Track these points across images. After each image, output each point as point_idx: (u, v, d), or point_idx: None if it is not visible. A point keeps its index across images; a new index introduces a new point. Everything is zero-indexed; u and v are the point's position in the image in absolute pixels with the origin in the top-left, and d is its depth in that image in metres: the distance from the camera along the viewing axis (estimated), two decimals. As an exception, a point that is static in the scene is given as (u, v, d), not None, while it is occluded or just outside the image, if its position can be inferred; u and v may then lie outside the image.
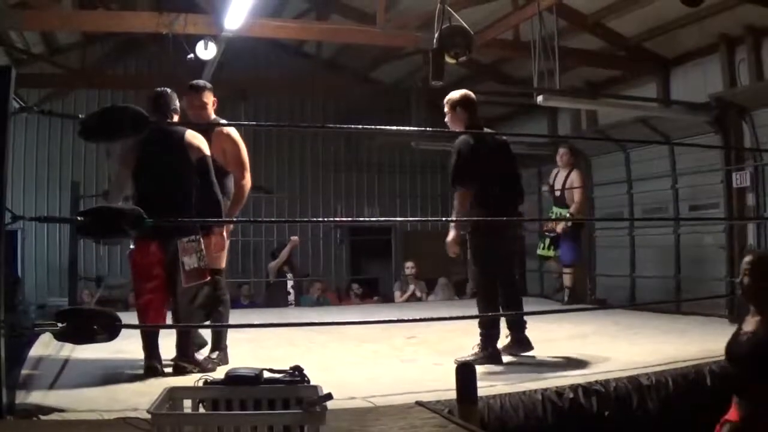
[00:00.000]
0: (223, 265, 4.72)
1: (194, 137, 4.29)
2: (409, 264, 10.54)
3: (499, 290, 4.86)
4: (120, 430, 2.85)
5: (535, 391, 3.66)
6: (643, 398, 3.83)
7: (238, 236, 10.80)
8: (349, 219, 12.93)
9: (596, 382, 3.82)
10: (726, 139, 8.11)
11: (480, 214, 4.81)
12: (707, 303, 7.57)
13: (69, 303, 8.18)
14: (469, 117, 4.99)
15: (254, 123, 10.94)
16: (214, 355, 4.52)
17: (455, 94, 5.06)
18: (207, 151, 4.30)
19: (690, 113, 8.22)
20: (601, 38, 8.78)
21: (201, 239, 4.24)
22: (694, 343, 5.15)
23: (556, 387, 3.72)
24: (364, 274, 12.71)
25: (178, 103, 4.50)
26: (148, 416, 2.44)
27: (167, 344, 4.35)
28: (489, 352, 4.63)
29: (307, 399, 2.50)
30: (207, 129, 4.62)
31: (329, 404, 2.49)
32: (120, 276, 10.86)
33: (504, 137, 5.22)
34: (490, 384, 3.69)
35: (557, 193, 8.42)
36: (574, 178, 8.38)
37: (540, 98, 7.30)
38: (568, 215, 8.24)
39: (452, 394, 3.23)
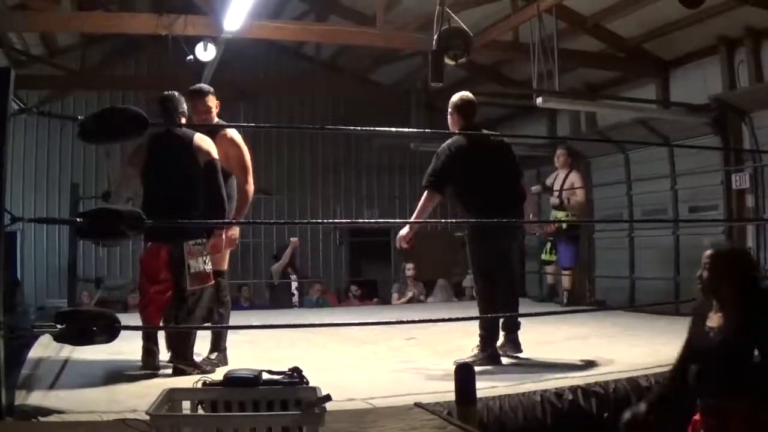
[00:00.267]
0: (225, 266, 4.73)
1: (203, 140, 4.30)
2: (408, 266, 10.54)
3: (501, 290, 4.87)
4: (119, 431, 2.85)
5: (535, 392, 3.66)
6: (642, 399, 3.83)
7: (238, 237, 10.77)
8: (349, 220, 12.92)
9: (595, 383, 3.82)
10: (725, 141, 8.12)
11: (472, 217, 4.87)
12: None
13: (68, 304, 8.19)
14: (465, 120, 5.01)
15: (253, 125, 10.93)
16: (214, 356, 4.52)
17: (454, 97, 5.11)
18: (215, 154, 4.32)
19: (689, 115, 8.23)
20: (600, 40, 8.78)
21: (206, 243, 4.26)
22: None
23: (556, 388, 3.72)
24: (363, 276, 12.70)
25: (185, 106, 4.51)
26: (147, 417, 2.45)
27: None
28: (488, 353, 4.63)
29: (305, 400, 2.51)
30: (211, 133, 4.62)
31: (328, 405, 2.49)
32: (119, 277, 10.88)
33: (505, 139, 5.18)
34: (489, 385, 3.69)
35: (555, 194, 8.42)
36: (574, 179, 8.38)
37: (539, 100, 7.30)
38: (565, 217, 8.24)
39: (451, 396, 3.23)
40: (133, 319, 4.75)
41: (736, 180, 8.05)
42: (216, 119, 4.75)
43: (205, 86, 4.84)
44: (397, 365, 4.78)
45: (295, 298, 10.05)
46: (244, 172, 4.69)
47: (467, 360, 4.37)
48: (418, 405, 3.30)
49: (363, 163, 12.73)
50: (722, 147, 8.14)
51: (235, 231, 4.65)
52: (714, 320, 3.09)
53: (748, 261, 3.25)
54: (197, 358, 4.40)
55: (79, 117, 3.48)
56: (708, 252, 3.19)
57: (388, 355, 5.24)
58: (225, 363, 4.49)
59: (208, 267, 4.26)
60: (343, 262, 12.78)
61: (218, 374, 3.37)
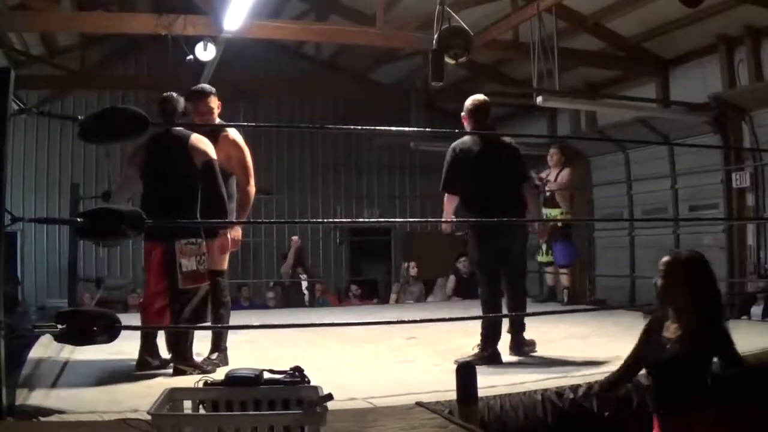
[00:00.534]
0: (225, 266, 4.72)
1: (199, 141, 4.29)
2: (411, 264, 10.57)
3: (505, 291, 4.95)
4: (120, 431, 2.85)
5: (535, 391, 3.66)
6: (643, 399, 3.83)
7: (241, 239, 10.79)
8: (349, 220, 12.93)
9: (596, 382, 3.81)
10: (725, 140, 8.12)
11: (472, 216, 4.95)
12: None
13: (69, 304, 8.18)
14: (476, 123, 5.09)
15: (254, 124, 10.95)
16: (214, 356, 4.51)
17: (467, 101, 5.18)
18: (213, 154, 4.30)
19: (689, 114, 8.23)
20: (600, 39, 8.79)
21: (202, 243, 4.24)
22: (693, 343, 5.14)
23: (556, 387, 3.72)
24: (363, 275, 12.71)
25: (185, 107, 4.50)
26: (149, 417, 2.44)
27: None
28: (489, 353, 4.64)
29: (307, 400, 2.50)
30: (212, 133, 4.62)
31: (329, 405, 2.49)
32: (120, 277, 10.89)
33: (511, 141, 5.18)
34: (490, 384, 3.68)
35: (547, 194, 8.41)
36: (563, 176, 8.36)
37: (539, 99, 7.30)
38: (558, 216, 8.22)
39: (452, 395, 3.23)
40: (134, 319, 4.75)
41: (736, 179, 8.05)
42: (218, 120, 4.74)
43: (206, 87, 4.81)
44: (398, 365, 4.77)
45: (307, 297, 10.08)
46: (245, 172, 4.68)
47: (468, 359, 4.38)
48: (419, 404, 3.30)
49: (363, 163, 12.73)
50: (722, 146, 8.15)
51: (238, 232, 4.65)
52: (671, 330, 3.00)
53: (704, 268, 3.10)
54: (198, 359, 4.39)
55: (79, 117, 3.47)
56: (664, 258, 3.08)
57: (389, 354, 5.23)
58: (226, 363, 4.48)
59: (203, 267, 4.24)
60: (344, 262, 12.79)
61: (219, 374, 3.37)
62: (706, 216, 8.66)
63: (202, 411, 2.64)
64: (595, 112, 10.01)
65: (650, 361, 3.10)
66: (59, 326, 3.13)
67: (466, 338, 5.01)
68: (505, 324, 4.88)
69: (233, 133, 4.70)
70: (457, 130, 5.09)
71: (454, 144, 5.05)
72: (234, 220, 4.63)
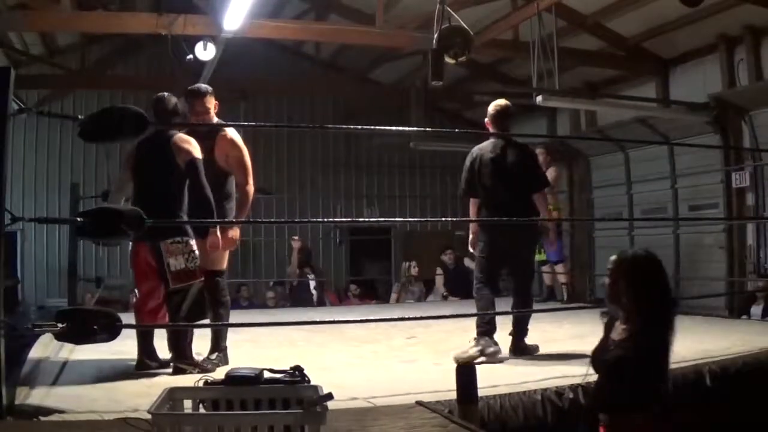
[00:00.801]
0: (224, 266, 4.72)
1: (183, 141, 4.27)
2: (412, 264, 10.58)
3: (512, 294, 5.17)
4: (120, 430, 2.85)
5: (535, 391, 3.66)
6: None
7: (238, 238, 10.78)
8: (349, 219, 12.92)
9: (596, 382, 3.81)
10: (725, 139, 8.13)
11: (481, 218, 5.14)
12: (707, 302, 7.57)
13: (68, 304, 8.19)
14: (496, 128, 5.17)
15: (253, 124, 10.94)
16: (214, 356, 4.51)
17: (489, 107, 5.23)
18: (197, 154, 4.27)
19: (689, 113, 8.24)
20: (600, 38, 8.79)
21: (189, 241, 4.23)
22: (693, 343, 5.13)
23: (556, 387, 3.72)
24: (363, 275, 12.72)
25: (178, 106, 4.49)
26: (149, 417, 2.44)
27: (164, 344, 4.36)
28: (483, 344, 4.71)
29: (307, 399, 2.50)
30: (210, 133, 4.61)
31: (329, 404, 2.49)
32: (119, 277, 10.87)
33: (519, 143, 5.26)
34: (490, 384, 3.68)
35: None
36: (548, 174, 8.38)
37: (539, 98, 7.31)
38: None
39: (452, 394, 3.23)
40: (133, 318, 4.75)
41: (736, 178, 8.05)
42: (215, 119, 4.73)
43: (203, 86, 4.79)
44: (398, 364, 4.78)
45: (315, 297, 10.11)
46: (244, 172, 4.67)
47: (464, 356, 4.46)
48: (419, 404, 3.30)
49: (363, 162, 12.73)
50: (722, 145, 8.15)
51: (236, 231, 4.64)
52: (617, 332, 2.95)
53: (650, 268, 2.94)
54: (197, 358, 4.40)
55: (79, 117, 3.47)
56: (612, 258, 3.02)
57: (389, 354, 5.24)
58: (226, 362, 4.48)
59: (192, 264, 4.23)
60: (343, 261, 12.79)
61: (219, 373, 3.37)
62: (706, 216, 8.66)
63: (202, 410, 2.64)
64: (595, 111, 10.01)
65: (596, 364, 3.06)
66: (60, 325, 3.13)
67: (466, 338, 5.01)
68: (509, 327, 4.95)
69: (231, 133, 4.69)
70: (456, 130, 5.10)
71: (473, 149, 5.21)
72: (232, 220, 4.63)
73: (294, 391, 2.67)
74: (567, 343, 5.43)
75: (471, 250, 5.40)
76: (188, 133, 4.55)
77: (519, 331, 4.95)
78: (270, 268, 11.80)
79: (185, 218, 4.22)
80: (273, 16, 8.42)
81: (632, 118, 8.85)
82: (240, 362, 4.00)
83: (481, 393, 3.28)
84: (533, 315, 5.15)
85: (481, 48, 7.91)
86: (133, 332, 4.32)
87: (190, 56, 8.10)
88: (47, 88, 10.67)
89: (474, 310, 5.05)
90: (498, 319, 4.91)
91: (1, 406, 3.06)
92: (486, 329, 4.77)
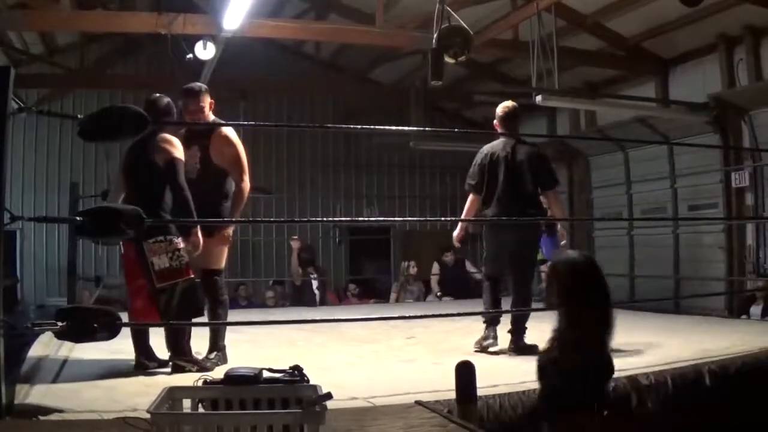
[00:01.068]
0: (222, 265, 4.71)
1: (163, 140, 4.27)
2: (411, 263, 10.58)
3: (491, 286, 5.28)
4: (119, 430, 2.85)
5: (534, 390, 3.65)
6: (642, 398, 3.83)
7: (237, 236, 10.79)
8: (348, 219, 12.92)
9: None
10: (725, 139, 8.13)
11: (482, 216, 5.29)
12: (706, 302, 7.57)
13: (68, 303, 8.18)
14: (503, 128, 5.29)
15: (253, 123, 10.93)
16: (212, 355, 4.51)
17: (497, 108, 5.36)
18: (177, 154, 4.26)
19: (689, 113, 8.24)
20: (599, 38, 8.79)
21: (173, 239, 4.21)
22: (693, 343, 5.15)
23: (555, 387, 3.72)
24: (363, 274, 12.72)
25: (170, 106, 4.48)
26: (148, 416, 2.44)
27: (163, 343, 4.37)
28: (490, 333, 4.97)
29: (306, 399, 2.50)
30: (206, 132, 4.61)
31: (329, 404, 2.49)
32: (119, 276, 10.85)
33: (538, 149, 5.36)
34: (489, 384, 3.68)
35: None
36: None
37: (539, 98, 7.31)
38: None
39: (452, 394, 3.23)
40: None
41: (735, 178, 8.06)
42: (212, 118, 4.72)
43: (196, 85, 4.77)
44: (398, 364, 4.78)
45: (318, 297, 10.13)
46: (239, 169, 4.66)
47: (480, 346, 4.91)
48: (418, 403, 3.30)
49: (363, 162, 12.73)
50: (722, 145, 8.15)
51: (228, 229, 4.64)
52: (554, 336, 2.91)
53: (582, 274, 2.89)
54: (197, 357, 4.40)
55: (79, 116, 3.47)
56: (549, 263, 3.00)
57: (389, 354, 5.24)
58: (225, 361, 4.48)
59: (176, 263, 4.21)
60: (343, 261, 12.79)
61: (219, 372, 3.37)
62: (706, 215, 8.66)
63: (201, 410, 2.64)
64: (594, 111, 10.01)
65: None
66: (60, 323, 3.13)
67: (465, 338, 5.03)
68: (509, 325, 5.04)
69: (226, 130, 4.67)
70: (456, 130, 5.15)
71: (483, 147, 5.33)
72: (225, 219, 4.63)
73: (293, 391, 2.67)
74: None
75: (456, 244, 5.60)
76: (182, 132, 4.56)
77: (517, 329, 5.00)
78: (269, 267, 11.80)
79: (168, 217, 4.21)
80: (273, 16, 8.42)
81: (632, 117, 8.85)
82: (239, 362, 4.00)
83: (480, 392, 3.28)
84: (532, 314, 5.15)
85: (481, 48, 7.91)
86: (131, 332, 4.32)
87: (190, 56, 8.10)
88: (47, 88, 10.66)
89: (472, 309, 5.10)
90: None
91: (0, 406, 3.06)
92: (490, 324, 5.04)
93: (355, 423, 2.97)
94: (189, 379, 3.50)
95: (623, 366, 4.22)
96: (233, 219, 4.71)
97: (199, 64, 8.25)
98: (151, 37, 8.83)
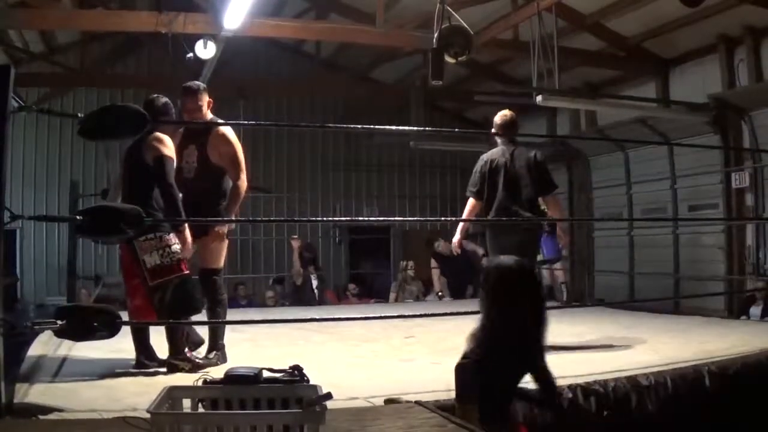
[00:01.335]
0: (221, 264, 4.71)
1: (154, 138, 4.25)
2: (409, 263, 10.57)
3: None
4: (119, 429, 2.84)
5: (531, 390, 3.65)
6: (642, 399, 3.83)
7: (237, 235, 10.80)
8: (348, 218, 12.92)
9: (595, 382, 3.81)
10: (725, 140, 8.13)
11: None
12: (706, 303, 7.57)
13: (68, 302, 8.18)
14: (502, 136, 5.44)
15: (253, 122, 10.94)
16: (212, 354, 4.51)
17: (495, 117, 5.52)
18: (166, 152, 4.24)
19: (689, 114, 8.24)
20: (600, 38, 8.79)
21: (163, 236, 4.20)
22: (692, 343, 5.15)
23: (555, 387, 3.71)
24: (363, 274, 12.71)
25: (168, 106, 4.48)
26: (148, 416, 2.44)
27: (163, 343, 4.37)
28: None
29: (306, 399, 2.50)
30: (204, 130, 4.61)
31: (328, 404, 2.49)
32: (119, 275, 10.86)
33: (537, 155, 5.41)
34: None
35: None
36: None
37: (539, 98, 7.30)
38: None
39: (451, 394, 3.22)
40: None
41: (735, 179, 8.06)
42: (210, 116, 4.72)
43: (195, 84, 4.77)
44: (397, 364, 4.78)
45: (317, 296, 10.16)
46: (235, 168, 4.65)
47: None
48: (418, 403, 3.29)
49: (363, 161, 12.73)
50: (722, 146, 8.15)
51: (224, 227, 4.63)
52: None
53: (512, 279, 2.94)
54: (197, 355, 4.40)
55: (79, 115, 3.47)
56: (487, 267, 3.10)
57: (388, 353, 5.23)
58: (224, 360, 4.48)
59: (167, 260, 4.19)
60: (342, 261, 12.79)
61: (219, 372, 3.38)
62: (706, 216, 8.66)
63: (201, 409, 2.64)
64: (594, 111, 10.01)
65: None
66: (59, 322, 3.13)
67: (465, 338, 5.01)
68: None
69: (223, 129, 4.66)
70: (456, 129, 5.17)
71: (483, 155, 5.48)
72: (227, 218, 4.63)
73: (293, 391, 2.67)
74: (565, 343, 5.43)
75: (456, 251, 5.70)
76: (180, 131, 4.57)
77: None
78: (269, 266, 11.80)
79: (159, 215, 4.21)
80: (273, 15, 8.43)
81: (632, 118, 8.85)
82: (239, 361, 4.00)
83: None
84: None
85: (481, 47, 7.91)
86: (131, 331, 4.32)
87: (190, 55, 8.10)
88: (47, 86, 10.67)
89: (472, 309, 5.07)
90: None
91: (0, 405, 3.06)
92: None
93: (355, 423, 2.97)
94: (189, 378, 3.50)
95: (622, 366, 4.23)
96: (231, 218, 4.71)
97: (200, 63, 8.25)
98: (152, 36, 8.82)
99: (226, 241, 4.74)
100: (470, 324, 4.98)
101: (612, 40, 8.81)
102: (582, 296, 9.31)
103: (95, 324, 3.17)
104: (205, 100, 4.65)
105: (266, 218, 11.61)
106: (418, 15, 7.98)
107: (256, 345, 5.33)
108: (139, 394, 3.52)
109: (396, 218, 12.94)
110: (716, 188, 8.38)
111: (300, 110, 12.21)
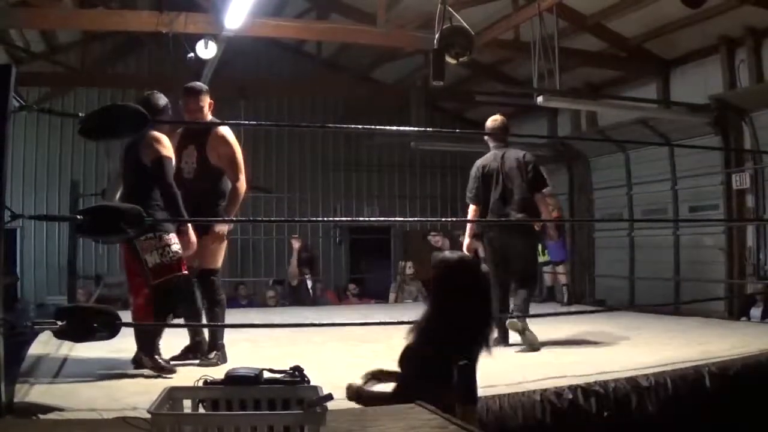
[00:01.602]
0: (219, 265, 4.71)
1: (152, 138, 4.25)
2: (408, 264, 10.57)
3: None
4: (119, 429, 2.84)
5: (534, 391, 3.65)
6: (642, 399, 3.83)
7: (237, 235, 10.80)
8: (348, 219, 12.92)
9: (595, 383, 3.81)
10: (726, 141, 8.12)
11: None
12: (706, 304, 7.57)
13: (68, 301, 8.17)
14: (495, 140, 5.63)
15: (254, 123, 10.94)
16: (212, 354, 4.51)
17: (487, 122, 5.70)
18: (165, 152, 4.24)
19: (690, 114, 8.24)
20: (601, 39, 8.79)
21: (163, 235, 4.20)
22: (693, 344, 5.15)
23: (555, 388, 3.72)
24: (363, 274, 12.71)
25: (166, 104, 4.48)
26: (148, 416, 2.44)
27: (167, 344, 4.36)
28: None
29: (307, 399, 2.50)
30: (204, 131, 4.61)
31: (329, 405, 2.48)
32: (119, 274, 10.86)
33: (527, 157, 5.54)
34: (489, 384, 3.68)
35: None
36: None
37: (540, 99, 7.31)
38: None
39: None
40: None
41: (736, 180, 8.05)
42: (210, 118, 4.72)
43: (198, 85, 4.78)
44: (397, 364, 4.77)
45: (312, 296, 10.17)
46: (234, 169, 4.65)
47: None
48: (418, 404, 3.29)
49: (363, 162, 12.73)
50: (723, 147, 8.15)
51: (223, 227, 4.63)
52: None
53: (454, 273, 3.04)
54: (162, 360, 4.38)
55: (80, 114, 3.47)
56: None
57: (388, 354, 5.20)
58: (224, 360, 4.49)
59: (167, 258, 4.20)
60: (343, 261, 12.79)
61: (219, 372, 3.38)
62: (706, 217, 8.66)
63: (201, 410, 2.63)
64: (595, 112, 10.00)
65: None
66: (59, 323, 3.12)
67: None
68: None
69: (223, 130, 4.66)
70: (457, 130, 5.24)
71: (477, 161, 5.65)
72: (229, 218, 4.63)
73: (294, 392, 2.67)
74: (566, 344, 5.44)
75: (469, 254, 5.68)
76: (180, 131, 4.56)
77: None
78: (270, 267, 11.80)
79: (158, 214, 4.21)
80: (274, 15, 8.43)
81: (633, 119, 8.85)
82: (239, 361, 4.00)
83: (480, 393, 3.28)
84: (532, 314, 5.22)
85: (482, 48, 7.90)
86: (131, 330, 4.32)
87: (191, 54, 8.10)
88: (48, 86, 10.67)
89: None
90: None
91: (0, 404, 3.06)
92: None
93: (355, 424, 2.97)
94: (190, 378, 3.50)
95: (623, 367, 4.23)
96: (230, 218, 4.71)
97: (201, 63, 8.26)
98: (153, 36, 8.84)
99: (225, 242, 4.74)
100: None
101: (613, 40, 8.81)
102: (582, 297, 9.29)
103: (95, 325, 3.17)
104: (207, 101, 4.65)
105: (266, 218, 11.60)
106: (419, 15, 7.98)
107: (255, 345, 5.33)
108: (139, 394, 3.52)
109: (396, 218, 12.94)
110: (717, 189, 8.38)
111: (300, 110, 12.22)
